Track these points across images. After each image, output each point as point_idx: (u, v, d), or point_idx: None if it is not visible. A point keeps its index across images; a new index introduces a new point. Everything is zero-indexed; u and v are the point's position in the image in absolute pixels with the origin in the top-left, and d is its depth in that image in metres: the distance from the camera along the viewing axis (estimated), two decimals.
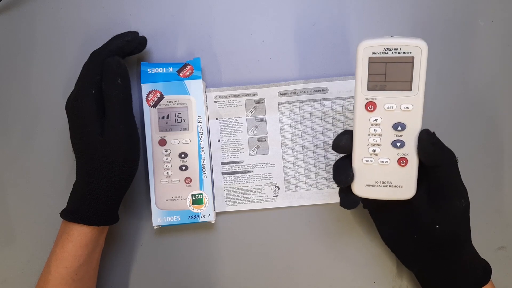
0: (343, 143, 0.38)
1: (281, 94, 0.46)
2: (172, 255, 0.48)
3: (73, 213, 0.40)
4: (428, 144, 0.35)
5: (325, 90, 0.46)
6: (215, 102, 0.47)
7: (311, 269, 0.47)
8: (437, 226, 0.37)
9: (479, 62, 0.46)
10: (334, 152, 0.46)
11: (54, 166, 0.48)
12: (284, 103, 0.47)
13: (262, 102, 0.47)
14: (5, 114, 0.48)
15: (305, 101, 0.46)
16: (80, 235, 0.40)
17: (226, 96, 0.47)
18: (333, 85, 0.46)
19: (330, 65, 0.47)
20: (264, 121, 0.47)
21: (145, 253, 0.48)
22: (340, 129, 0.46)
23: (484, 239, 0.46)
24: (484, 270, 0.39)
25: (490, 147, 0.47)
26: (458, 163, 0.37)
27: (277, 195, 0.47)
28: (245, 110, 0.47)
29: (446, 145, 0.37)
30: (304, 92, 0.46)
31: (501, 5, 0.46)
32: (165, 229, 0.47)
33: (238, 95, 0.47)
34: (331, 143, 0.46)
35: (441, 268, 0.39)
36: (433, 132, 0.36)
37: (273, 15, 0.47)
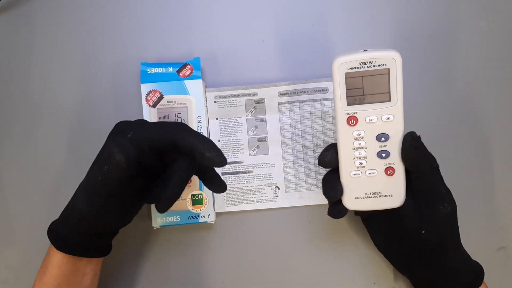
0: (328, 158, 0.38)
1: (281, 94, 0.46)
2: (172, 255, 0.48)
3: (56, 233, 0.38)
4: (411, 147, 0.36)
5: (325, 90, 0.46)
6: (215, 102, 0.47)
7: (311, 269, 0.47)
8: (423, 232, 0.37)
9: (480, 62, 0.46)
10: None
11: (54, 166, 0.48)
12: (284, 103, 0.47)
13: (262, 102, 0.47)
14: (5, 114, 0.48)
15: (305, 101, 0.46)
16: (58, 262, 0.38)
17: (226, 96, 0.47)
18: None
19: (330, 65, 0.46)
20: (264, 121, 0.47)
21: (145, 253, 0.48)
22: None
23: (484, 239, 0.46)
24: (475, 274, 0.39)
25: (491, 146, 0.47)
26: (440, 168, 0.37)
27: (277, 195, 0.47)
28: (245, 110, 0.47)
29: (432, 149, 0.37)
30: (304, 92, 0.46)
31: (501, 5, 0.46)
32: (165, 229, 0.47)
33: (238, 95, 0.47)
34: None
35: (430, 273, 0.39)
36: (419, 136, 0.36)
37: (273, 15, 0.47)
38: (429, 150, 0.37)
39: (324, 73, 0.47)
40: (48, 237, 0.38)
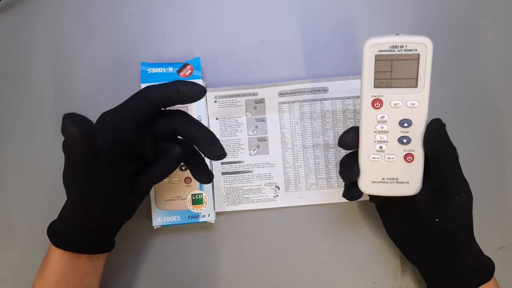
0: (349, 140, 0.38)
1: (281, 94, 0.46)
2: (172, 255, 0.48)
3: (54, 230, 0.38)
4: (436, 133, 0.36)
5: (325, 90, 0.46)
6: (215, 102, 0.47)
7: (311, 269, 0.47)
8: (437, 220, 0.37)
9: (480, 62, 0.46)
10: (334, 152, 0.46)
11: (54, 166, 0.48)
12: (284, 103, 0.47)
13: (262, 102, 0.47)
14: (5, 114, 0.48)
15: (305, 101, 0.46)
16: (57, 259, 0.38)
17: (226, 96, 0.47)
18: (333, 85, 0.46)
19: (330, 65, 0.47)
20: (264, 121, 0.47)
21: (145, 253, 0.48)
22: (340, 129, 0.46)
23: (484, 239, 0.46)
24: (486, 269, 0.39)
25: (491, 147, 0.47)
26: (459, 160, 0.37)
27: (277, 195, 0.47)
28: (245, 110, 0.47)
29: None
30: (304, 92, 0.46)
31: (501, 5, 0.46)
32: (165, 229, 0.47)
33: (238, 95, 0.47)
34: (331, 143, 0.46)
35: (441, 264, 0.39)
36: (444, 124, 0.36)
37: (273, 15, 0.47)
38: None
39: (324, 72, 0.47)
40: (47, 234, 0.38)
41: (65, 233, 0.38)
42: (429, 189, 0.37)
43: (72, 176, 0.35)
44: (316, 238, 0.47)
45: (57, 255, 0.38)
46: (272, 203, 0.47)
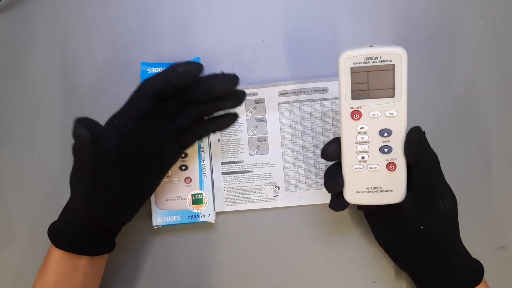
0: (331, 151, 0.38)
1: (281, 94, 0.46)
2: (172, 255, 0.48)
3: (55, 230, 0.38)
4: (416, 141, 0.36)
5: (325, 90, 0.46)
6: None
7: (311, 269, 0.47)
8: (422, 227, 0.37)
9: (480, 62, 0.46)
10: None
11: (54, 166, 0.48)
12: (284, 103, 0.47)
13: (262, 102, 0.47)
14: (5, 114, 0.48)
15: (305, 101, 0.46)
16: (57, 260, 0.38)
17: None
18: (333, 85, 0.46)
19: (330, 65, 0.47)
20: (264, 121, 0.47)
21: (145, 253, 0.48)
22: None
23: (484, 239, 0.46)
24: (474, 272, 0.39)
25: (491, 146, 0.47)
26: (441, 166, 0.37)
27: (277, 195, 0.47)
28: (245, 110, 0.47)
29: (434, 147, 0.37)
30: (304, 92, 0.46)
31: (501, 5, 0.46)
32: (165, 229, 0.47)
33: None
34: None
35: (429, 270, 0.39)
36: (423, 131, 0.37)
37: (273, 15, 0.47)
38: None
39: (324, 72, 0.47)
40: (48, 235, 0.38)
41: (66, 234, 0.38)
42: (413, 196, 0.38)
43: (80, 178, 0.36)
44: (316, 238, 0.47)
45: (58, 255, 0.38)
46: (272, 203, 0.47)
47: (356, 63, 0.35)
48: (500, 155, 0.46)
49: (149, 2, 0.47)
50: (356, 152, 0.37)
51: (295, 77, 0.47)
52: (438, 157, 0.37)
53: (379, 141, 0.37)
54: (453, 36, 0.46)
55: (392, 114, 0.36)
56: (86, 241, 0.38)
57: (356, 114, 0.37)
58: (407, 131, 0.36)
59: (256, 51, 0.47)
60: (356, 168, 0.38)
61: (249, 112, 0.47)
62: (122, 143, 0.36)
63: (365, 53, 0.35)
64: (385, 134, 0.37)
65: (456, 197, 0.38)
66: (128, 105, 0.36)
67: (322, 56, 0.47)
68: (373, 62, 0.35)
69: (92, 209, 0.36)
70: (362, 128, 0.37)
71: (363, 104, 0.36)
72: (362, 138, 0.37)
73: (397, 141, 0.37)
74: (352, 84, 0.36)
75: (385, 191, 0.38)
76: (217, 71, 0.47)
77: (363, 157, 0.37)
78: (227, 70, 0.47)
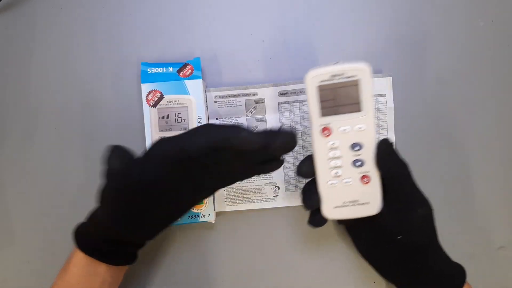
0: (305, 170, 0.39)
1: (281, 94, 0.46)
2: (172, 255, 0.48)
3: (80, 232, 0.38)
4: (385, 154, 0.37)
5: None
6: (215, 102, 0.47)
7: (311, 269, 0.47)
8: (399, 237, 0.37)
9: (480, 62, 0.46)
10: None
11: (54, 166, 0.48)
12: (284, 103, 0.47)
13: (262, 102, 0.47)
14: (5, 114, 0.48)
15: (305, 101, 0.46)
16: (79, 262, 0.38)
17: (226, 96, 0.47)
18: None
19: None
20: (264, 121, 0.47)
21: (145, 253, 0.48)
22: None
23: (484, 239, 0.46)
24: (457, 275, 0.39)
25: (490, 145, 0.47)
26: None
27: (277, 195, 0.47)
28: (245, 110, 0.47)
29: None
30: (304, 92, 0.46)
31: (501, 5, 0.46)
32: (165, 229, 0.47)
33: (238, 95, 0.47)
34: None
35: (414, 277, 0.39)
36: (391, 143, 0.37)
37: (273, 15, 0.47)
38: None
39: None
40: (73, 236, 0.38)
41: (91, 239, 0.38)
42: (389, 206, 0.38)
43: (111, 198, 0.36)
44: (316, 238, 0.47)
45: (80, 257, 0.38)
46: (272, 203, 0.47)
47: (323, 80, 0.36)
48: (498, 154, 0.46)
49: (149, 2, 0.47)
50: (330, 168, 0.38)
51: (295, 77, 0.47)
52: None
53: (351, 156, 0.37)
54: (453, 36, 0.46)
55: (361, 128, 0.37)
56: (111, 250, 0.39)
57: (326, 131, 0.37)
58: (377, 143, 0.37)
59: (256, 51, 0.47)
60: (331, 184, 0.38)
61: (249, 112, 0.47)
62: (159, 178, 0.35)
63: (330, 70, 0.36)
64: (356, 148, 0.37)
65: (431, 203, 0.38)
66: (182, 140, 0.35)
67: (322, 56, 0.47)
68: (338, 78, 0.36)
69: (119, 227, 0.37)
70: (333, 144, 0.37)
71: (333, 120, 0.37)
72: (334, 153, 0.38)
73: (369, 154, 0.37)
74: (320, 101, 0.37)
75: (362, 203, 0.38)
76: (217, 71, 0.47)
77: (336, 173, 0.38)
78: (227, 70, 0.47)
